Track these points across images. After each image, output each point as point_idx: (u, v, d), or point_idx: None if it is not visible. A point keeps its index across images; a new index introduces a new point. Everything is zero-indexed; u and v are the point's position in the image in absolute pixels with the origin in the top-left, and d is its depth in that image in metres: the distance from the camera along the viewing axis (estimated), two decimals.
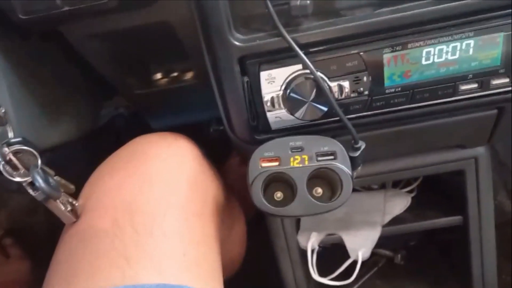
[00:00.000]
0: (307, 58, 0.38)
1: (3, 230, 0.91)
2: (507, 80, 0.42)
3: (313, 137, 0.41)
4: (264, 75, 0.41)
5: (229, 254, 0.62)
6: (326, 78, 0.41)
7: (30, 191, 0.38)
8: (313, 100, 0.40)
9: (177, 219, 0.41)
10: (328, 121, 0.44)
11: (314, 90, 0.39)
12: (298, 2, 0.38)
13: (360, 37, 0.40)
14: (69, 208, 0.41)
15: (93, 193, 0.43)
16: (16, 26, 0.41)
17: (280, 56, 0.40)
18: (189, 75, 0.59)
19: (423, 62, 0.40)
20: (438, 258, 0.73)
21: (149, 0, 0.42)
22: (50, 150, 0.53)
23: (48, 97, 0.53)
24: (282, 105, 0.41)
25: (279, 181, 0.41)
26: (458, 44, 0.40)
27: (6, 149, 0.37)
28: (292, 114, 0.41)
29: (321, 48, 0.40)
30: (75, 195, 0.44)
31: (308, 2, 0.38)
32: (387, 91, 0.42)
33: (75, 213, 0.41)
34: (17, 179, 0.37)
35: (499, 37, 0.39)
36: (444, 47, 0.40)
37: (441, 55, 0.40)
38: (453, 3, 0.38)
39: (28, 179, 0.37)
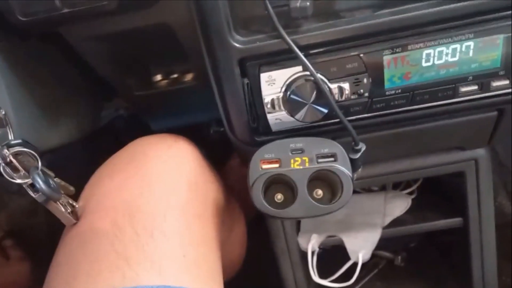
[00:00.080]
0: (307, 59, 0.38)
1: (3, 231, 0.91)
2: (507, 82, 0.42)
3: (314, 139, 0.41)
4: (264, 76, 0.41)
5: (229, 255, 0.62)
6: (326, 80, 0.41)
7: (31, 193, 0.38)
8: (313, 102, 0.40)
9: (177, 220, 0.41)
10: (328, 123, 0.44)
11: (314, 92, 0.39)
12: (298, 4, 0.38)
13: (360, 39, 0.40)
14: (69, 210, 0.41)
15: (93, 194, 0.43)
16: (15, 27, 0.40)
17: (280, 58, 0.40)
18: (189, 77, 0.59)
19: (423, 64, 0.40)
20: (439, 259, 0.73)
21: (148, 1, 0.42)
22: (50, 151, 0.52)
23: (48, 98, 0.53)
24: (282, 107, 0.41)
25: (279, 183, 0.41)
26: (458, 46, 0.40)
27: (6, 151, 0.37)
28: (292, 116, 0.41)
29: (321, 49, 0.40)
30: (75, 196, 0.44)
31: (308, 3, 0.38)
32: (387, 93, 0.42)
33: (75, 215, 0.41)
34: (18, 180, 0.37)
35: (499, 39, 0.39)
36: (444, 49, 0.40)
37: (441, 57, 0.40)
38: (453, 5, 0.38)
39: (28, 180, 0.37)
